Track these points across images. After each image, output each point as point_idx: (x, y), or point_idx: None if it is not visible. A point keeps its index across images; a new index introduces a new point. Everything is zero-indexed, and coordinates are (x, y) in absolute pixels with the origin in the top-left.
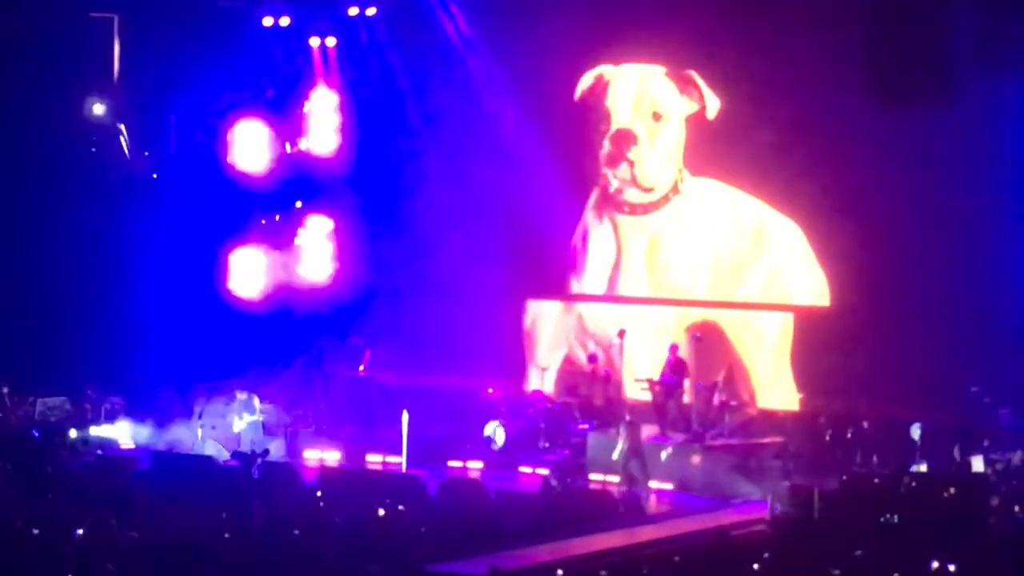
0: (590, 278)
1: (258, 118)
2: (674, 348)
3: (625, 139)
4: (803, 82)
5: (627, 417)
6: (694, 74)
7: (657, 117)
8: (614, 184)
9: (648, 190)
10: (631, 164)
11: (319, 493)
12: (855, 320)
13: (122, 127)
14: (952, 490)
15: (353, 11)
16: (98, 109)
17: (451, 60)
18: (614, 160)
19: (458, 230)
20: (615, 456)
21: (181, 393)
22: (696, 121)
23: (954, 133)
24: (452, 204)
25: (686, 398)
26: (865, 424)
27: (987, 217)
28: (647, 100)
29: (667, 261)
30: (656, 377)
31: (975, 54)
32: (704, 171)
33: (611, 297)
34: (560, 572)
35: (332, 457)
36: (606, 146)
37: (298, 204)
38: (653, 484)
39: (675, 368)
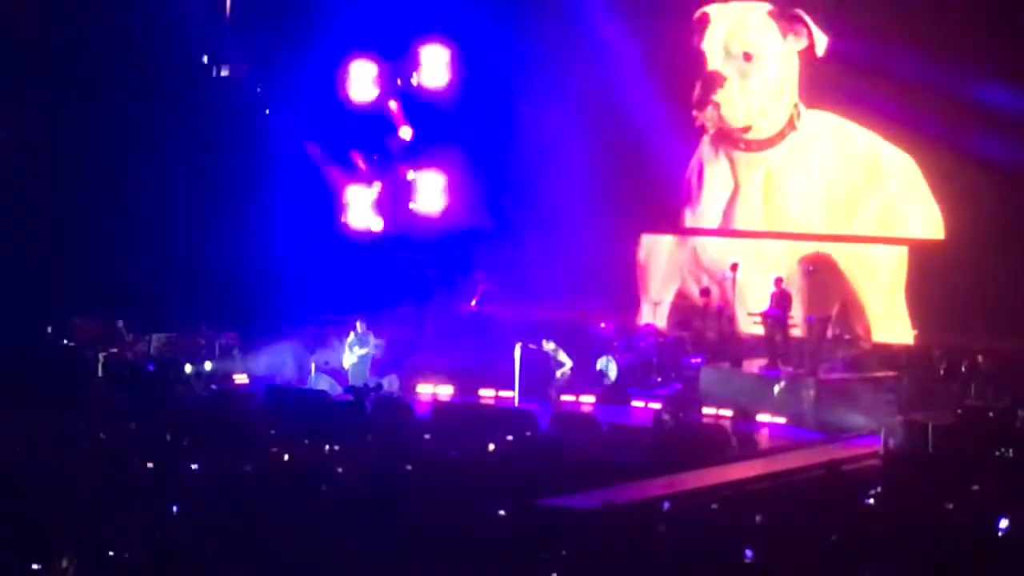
0: (704, 212)
1: (370, 58)
2: (778, 281)
3: (711, 82)
4: (919, 12)
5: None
6: (801, 12)
7: (748, 57)
8: (708, 126)
9: (745, 129)
10: (716, 107)
11: (431, 427)
12: (969, 253)
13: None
14: None
15: None
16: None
17: None
18: (701, 104)
19: (572, 164)
20: (558, 375)
21: (296, 328)
22: (808, 55)
23: None
24: (565, 138)
25: (796, 331)
26: (980, 358)
27: None
28: (738, 40)
29: (784, 195)
30: (763, 310)
31: None
32: (818, 103)
33: (725, 231)
34: (667, 504)
35: (445, 392)
36: (697, 89)
37: (408, 133)
38: (765, 417)
39: (780, 301)
